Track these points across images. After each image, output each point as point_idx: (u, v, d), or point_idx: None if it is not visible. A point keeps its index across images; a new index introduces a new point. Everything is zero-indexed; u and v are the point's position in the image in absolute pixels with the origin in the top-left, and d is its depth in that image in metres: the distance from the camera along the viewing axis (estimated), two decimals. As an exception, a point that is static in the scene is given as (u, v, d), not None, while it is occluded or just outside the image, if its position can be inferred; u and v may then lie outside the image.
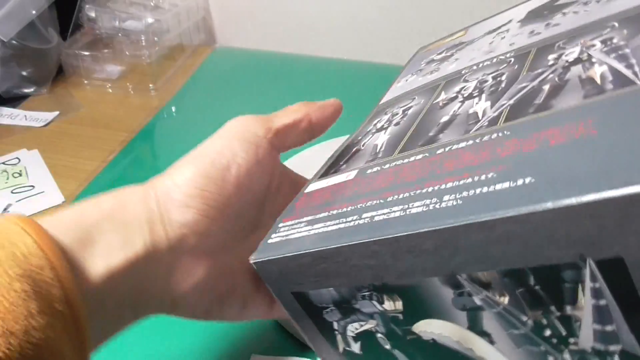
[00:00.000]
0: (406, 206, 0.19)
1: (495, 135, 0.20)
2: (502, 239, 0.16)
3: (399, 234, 0.19)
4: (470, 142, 0.21)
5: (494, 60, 0.28)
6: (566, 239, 0.15)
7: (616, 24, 0.23)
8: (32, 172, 0.54)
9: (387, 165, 0.24)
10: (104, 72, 0.66)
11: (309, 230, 0.23)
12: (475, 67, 0.28)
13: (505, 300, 0.18)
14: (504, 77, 0.25)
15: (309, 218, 0.24)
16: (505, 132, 0.20)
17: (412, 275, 0.19)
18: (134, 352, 0.35)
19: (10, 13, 0.57)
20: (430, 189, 0.20)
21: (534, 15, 0.31)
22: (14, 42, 0.59)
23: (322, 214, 0.23)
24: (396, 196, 0.21)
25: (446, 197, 0.18)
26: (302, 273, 0.22)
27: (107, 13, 0.67)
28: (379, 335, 0.22)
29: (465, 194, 0.18)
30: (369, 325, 0.22)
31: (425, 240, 0.18)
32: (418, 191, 0.20)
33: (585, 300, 0.16)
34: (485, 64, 0.28)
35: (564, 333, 0.17)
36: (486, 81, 0.26)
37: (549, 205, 0.15)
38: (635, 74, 0.19)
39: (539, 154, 0.18)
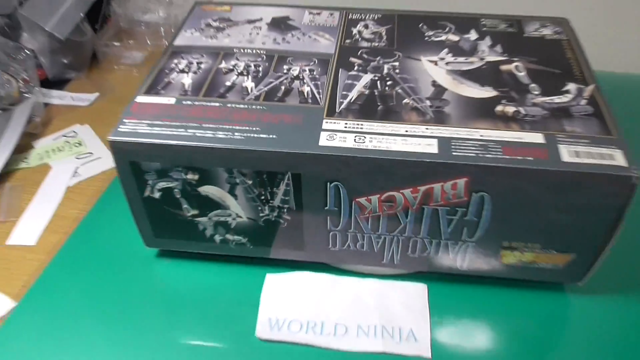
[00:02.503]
0: (214, 133, 0.40)
1: (258, 107, 0.43)
2: (255, 158, 0.40)
3: (215, 145, 0.39)
4: (245, 106, 0.43)
5: (254, 51, 0.49)
6: (282, 163, 0.40)
7: (316, 60, 0.48)
8: (88, 142, 0.66)
9: (197, 103, 0.43)
10: (130, 58, 0.79)
11: (151, 129, 0.41)
12: (242, 51, 0.49)
13: (250, 181, 0.41)
14: (260, 69, 0.47)
15: (148, 122, 0.41)
16: (263, 107, 0.43)
17: (210, 165, 0.41)
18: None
19: (64, 16, 0.71)
20: (228, 127, 0.41)
21: (276, 24, 0.54)
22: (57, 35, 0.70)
23: (158, 122, 0.41)
24: (208, 125, 0.41)
25: (237, 134, 0.40)
26: (144, 152, 0.41)
27: (130, 8, 0.80)
28: (175, 190, 0.43)
29: (245, 135, 0.40)
30: (172, 184, 0.43)
31: (222, 151, 0.40)
32: (220, 126, 0.41)
33: (281, 186, 0.41)
34: (248, 51, 0.49)
35: (269, 198, 0.42)
36: (250, 67, 0.47)
37: (269, 149, 0.39)
38: (318, 95, 0.44)
39: (277, 124, 0.41)
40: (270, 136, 0.40)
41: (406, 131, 0.40)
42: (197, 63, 0.48)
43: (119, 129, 0.41)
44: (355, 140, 0.40)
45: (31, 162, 0.62)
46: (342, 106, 0.43)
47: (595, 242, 0.42)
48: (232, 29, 0.53)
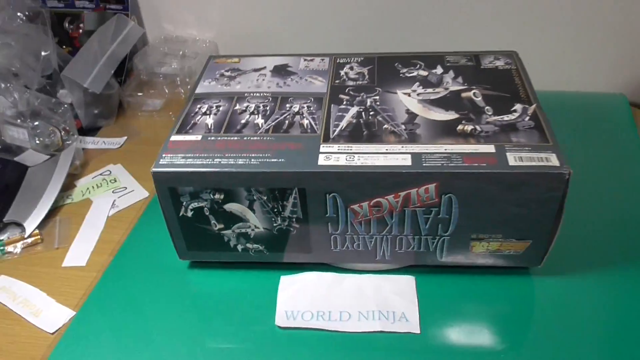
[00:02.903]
0: (235, 160, 0.51)
1: (268, 138, 0.54)
2: (269, 178, 0.50)
3: (237, 170, 0.50)
4: (258, 138, 0.54)
5: (261, 94, 0.61)
6: (290, 180, 0.50)
7: (312, 99, 0.59)
8: (122, 178, 0.77)
9: (220, 138, 0.54)
10: (151, 105, 0.91)
11: (185, 160, 0.51)
12: (252, 94, 0.61)
13: (265, 197, 0.52)
14: (268, 108, 0.58)
15: (182, 155, 0.52)
16: (272, 138, 0.54)
17: (233, 186, 0.51)
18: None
19: (98, 74, 0.83)
20: (246, 155, 0.51)
21: (278, 70, 0.65)
22: (91, 90, 0.82)
23: (190, 155, 0.52)
24: (230, 155, 0.52)
25: (253, 160, 0.51)
26: (180, 179, 0.51)
27: (149, 62, 0.93)
28: (205, 208, 0.53)
29: (259, 160, 0.51)
30: (202, 204, 0.53)
31: (242, 174, 0.50)
32: (240, 155, 0.52)
33: (290, 200, 0.51)
34: (256, 94, 0.61)
35: (281, 210, 0.52)
36: (259, 107, 0.59)
37: (279, 170, 0.50)
38: (315, 126, 0.55)
39: (284, 150, 0.52)
40: (280, 160, 0.51)
41: (386, 150, 0.51)
42: (216, 106, 0.59)
43: (160, 162, 0.52)
44: (346, 159, 0.50)
45: (75, 198, 0.74)
46: (335, 133, 0.54)
47: (545, 229, 0.52)
48: (242, 77, 0.64)
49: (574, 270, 0.57)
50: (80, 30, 0.94)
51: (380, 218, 0.52)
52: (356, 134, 0.53)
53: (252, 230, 0.55)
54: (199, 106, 0.60)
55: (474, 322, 0.53)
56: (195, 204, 0.53)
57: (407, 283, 0.57)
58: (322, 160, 0.50)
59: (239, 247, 0.57)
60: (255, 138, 0.54)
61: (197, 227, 0.55)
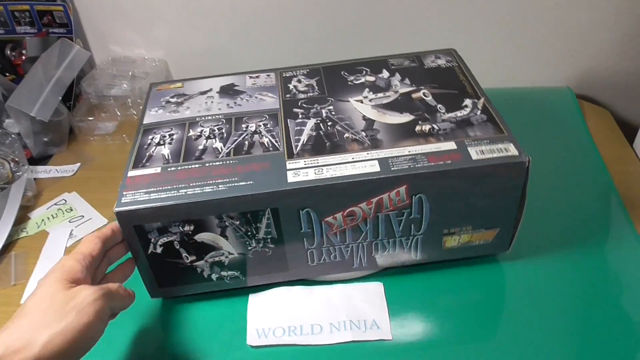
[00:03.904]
0: (202, 189, 0.49)
1: (231, 162, 0.52)
2: (239, 202, 0.49)
3: (205, 199, 0.48)
4: (220, 162, 0.52)
5: (213, 117, 0.59)
6: (262, 202, 0.49)
7: (267, 116, 0.59)
8: (78, 207, 0.74)
9: (180, 168, 0.52)
10: (103, 129, 0.88)
11: (148, 196, 0.49)
12: (204, 118, 0.59)
13: (237, 222, 0.51)
14: (223, 130, 0.57)
15: (144, 190, 0.50)
16: (235, 161, 0.52)
17: (203, 215, 0.49)
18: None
19: (44, 101, 0.80)
20: (211, 182, 0.50)
21: (225, 91, 0.64)
22: (39, 119, 0.79)
23: (152, 189, 0.50)
24: (195, 183, 0.50)
25: (221, 186, 0.49)
26: (146, 216, 0.49)
27: (98, 85, 0.90)
28: (175, 242, 0.51)
29: (227, 185, 0.49)
30: (171, 238, 0.51)
31: (212, 202, 0.49)
32: (205, 182, 0.50)
33: (263, 221, 0.51)
34: (208, 118, 0.59)
35: (255, 233, 0.51)
36: (214, 130, 0.57)
37: (250, 192, 0.49)
38: (276, 143, 0.54)
39: (250, 172, 0.51)
40: (248, 182, 0.50)
41: (352, 158, 0.51)
42: (169, 135, 0.57)
43: (122, 201, 0.49)
44: (315, 173, 0.50)
45: (30, 230, 0.71)
46: (298, 149, 0.53)
47: (511, 215, 0.54)
48: (189, 101, 0.63)
49: (537, 251, 0.60)
50: (24, 57, 0.90)
51: (354, 227, 0.52)
52: (319, 146, 0.53)
53: (226, 257, 0.53)
54: (150, 137, 0.57)
55: (444, 319, 0.54)
56: (164, 239, 0.51)
57: (375, 290, 0.57)
58: (291, 178, 0.50)
59: (214, 277, 0.55)
60: (217, 163, 0.52)
61: (167, 262, 0.53)
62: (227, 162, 0.52)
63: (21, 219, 0.72)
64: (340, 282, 0.58)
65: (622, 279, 0.56)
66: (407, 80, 0.63)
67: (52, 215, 0.72)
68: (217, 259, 0.53)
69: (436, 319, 0.54)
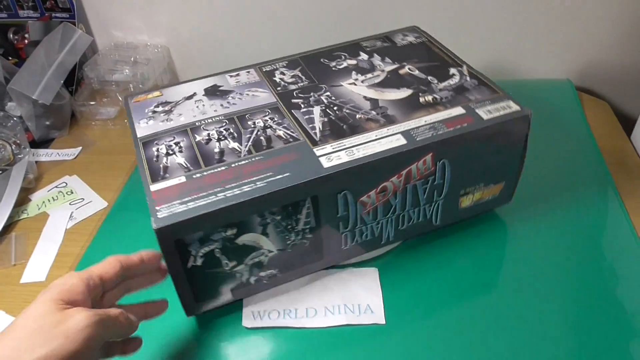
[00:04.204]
0: (240, 189, 0.48)
1: (257, 158, 0.51)
2: (282, 195, 0.48)
3: (248, 198, 0.47)
4: (247, 161, 0.51)
5: (213, 119, 0.57)
6: (302, 192, 0.49)
7: (269, 110, 0.58)
8: (79, 190, 0.75)
9: (206, 173, 0.50)
10: (105, 114, 0.89)
11: (186, 206, 0.47)
12: (204, 122, 0.57)
13: (279, 217, 0.50)
14: (232, 130, 0.55)
15: (178, 201, 0.47)
16: (261, 157, 0.51)
17: (246, 214, 0.48)
18: None
19: (46, 85, 0.80)
20: (247, 181, 0.49)
21: (212, 92, 0.61)
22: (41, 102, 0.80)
23: (187, 198, 0.47)
24: (230, 185, 0.48)
25: (259, 183, 0.48)
26: (190, 226, 0.46)
27: (99, 71, 0.90)
28: (216, 250, 0.49)
29: (265, 181, 0.48)
30: (212, 246, 0.49)
31: (255, 200, 0.47)
32: (240, 182, 0.48)
33: (303, 211, 0.50)
34: (209, 121, 0.57)
35: (294, 225, 0.51)
36: (222, 132, 0.55)
37: (291, 184, 0.48)
38: (293, 134, 0.54)
39: (281, 165, 0.50)
40: (285, 175, 0.49)
41: (376, 136, 0.53)
42: (175, 144, 0.54)
43: (159, 217, 0.46)
44: (347, 154, 0.51)
45: (30, 212, 0.72)
46: (318, 136, 0.53)
47: (515, 168, 0.59)
48: (178, 108, 0.60)
49: (534, 201, 0.64)
50: (26, 41, 0.90)
51: (386, 202, 0.54)
52: (338, 130, 0.54)
53: (266, 256, 0.52)
54: (154, 149, 0.54)
55: (437, 305, 0.55)
56: (205, 249, 0.49)
57: (370, 275, 0.58)
58: (325, 163, 0.50)
59: (252, 280, 0.53)
60: (243, 162, 0.51)
61: (207, 274, 0.50)
62: (253, 159, 0.51)
63: (22, 200, 0.73)
64: (336, 267, 0.58)
65: (618, 270, 0.57)
66: (387, 59, 0.65)
67: (52, 198, 0.73)
68: (257, 259, 0.52)
69: (427, 306, 0.55)
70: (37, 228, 0.68)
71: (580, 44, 0.86)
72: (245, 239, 0.50)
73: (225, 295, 0.53)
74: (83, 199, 0.73)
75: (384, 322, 0.53)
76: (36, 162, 0.80)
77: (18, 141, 0.78)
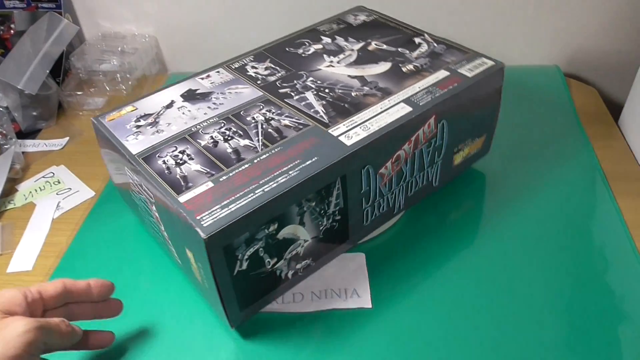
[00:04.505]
0: (276, 181, 0.46)
1: (277, 149, 0.50)
2: (317, 180, 0.48)
3: (287, 188, 0.46)
4: (267, 154, 0.49)
5: (208, 122, 0.54)
6: (334, 173, 0.49)
7: (262, 103, 0.56)
8: (66, 180, 0.74)
9: (232, 173, 0.48)
10: (92, 104, 0.88)
11: (228, 208, 0.44)
12: (200, 126, 0.54)
13: (313, 203, 0.49)
14: (235, 129, 0.53)
15: (217, 206, 0.45)
16: (280, 148, 0.50)
17: (287, 206, 0.47)
18: None
19: (32, 74, 0.81)
20: (279, 172, 0.47)
21: (191, 97, 0.58)
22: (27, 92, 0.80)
23: (226, 201, 0.45)
24: (264, 179, 0.47)
25: (292, 172, 0.47)
26: (238, 228, 0.44)
27: (87, 60, 0.90)
28: (259, 250, 0.47)
29: (297, 170, 0.47)
30: (257, 246, 0.47)
31: (295, 189, 0.46)
32: (272, 175, 0.47)
33: (334, 193, 0.50)
34: (204, 124, 0.54)
35: (326, 209, 0.50)
36: (224, 132, 0.53)
37: (323, 166, 0.48)
38: (300, 120, 0.53)
39: (304, 151, 0.49)
40: (314, 160, 0.48)
41: (381, 108, 0.54)
42: (180, 152, 0.51)
43: (204, 226, 0.43)
44: (363, 130, 0.51)
45: (17, 202, 0.71)
46: (326, 118, 0.53)
47: (492, 120, 0.64)
48: (162, 118, 0.56)
49: (509, 148, 0.69)
50: (12, 31, 0.88)
51: (399, 171, 0.55)
52: (341, 110, 0.54)
53: (302, 247, 0.51)
54: (160, 162, 0.50)
55: (423, 288, 0.55)
56: (250, 250, 0.47)
57: (357, 260, 0.58)
58: (347, 141, 0.50)
59: (290, 274, 0.52)
60: (264, 156, 0.49)
61: (250, 278, 0.48)
62: (272, 151, 0.50)
63: (9, 191, 0.73)
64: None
65: (605, 254, 0.57)
66: (351, 39, 0.66)
67: (39, 188, 0.73)
68: (294, 252, 0.51)
69: (415, 287, 0.55)
70: (24, 218, 0.68)
71: (568, 30, 0.87)
72: (286, 232, 0.49)
73: (268, 296, 0.52)
74: (70, 189, 0.73)
75: (370, 306, 0.53)
76: (23, 152, 0.79)
77: (4, 131, 0.77)
